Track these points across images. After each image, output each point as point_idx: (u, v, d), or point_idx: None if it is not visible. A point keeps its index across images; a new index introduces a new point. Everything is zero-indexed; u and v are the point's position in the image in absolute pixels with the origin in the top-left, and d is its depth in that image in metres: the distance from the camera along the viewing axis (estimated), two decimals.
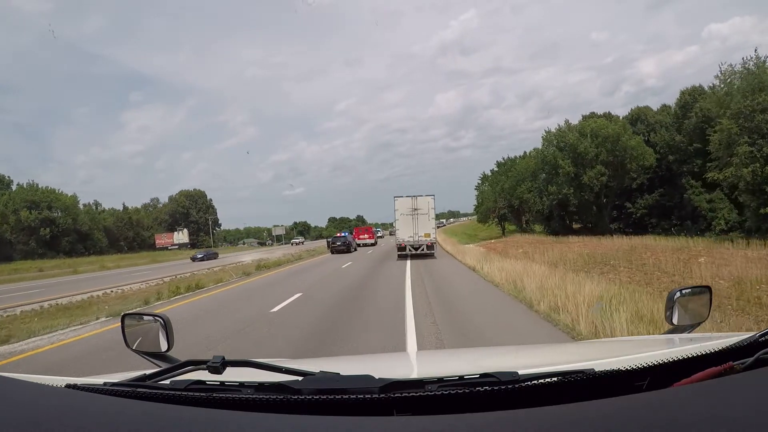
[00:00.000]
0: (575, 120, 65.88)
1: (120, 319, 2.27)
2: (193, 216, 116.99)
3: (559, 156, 60.24)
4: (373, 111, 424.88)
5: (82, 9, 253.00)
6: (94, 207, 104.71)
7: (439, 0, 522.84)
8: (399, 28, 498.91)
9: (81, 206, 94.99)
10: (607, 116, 64.83)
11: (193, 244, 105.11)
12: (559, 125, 65.86)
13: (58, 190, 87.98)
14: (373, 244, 55.21)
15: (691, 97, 58.01)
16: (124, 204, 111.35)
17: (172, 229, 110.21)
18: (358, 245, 50.63)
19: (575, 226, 67.22)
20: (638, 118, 64.44)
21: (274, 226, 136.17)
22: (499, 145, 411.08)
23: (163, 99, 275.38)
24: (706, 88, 55.72)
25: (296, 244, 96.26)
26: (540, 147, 73.77)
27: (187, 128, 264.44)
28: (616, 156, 57.54)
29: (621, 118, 65.01)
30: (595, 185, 58.39)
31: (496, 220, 77.70)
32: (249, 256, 49.86)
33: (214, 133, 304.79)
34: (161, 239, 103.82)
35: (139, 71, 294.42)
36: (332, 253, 41.04)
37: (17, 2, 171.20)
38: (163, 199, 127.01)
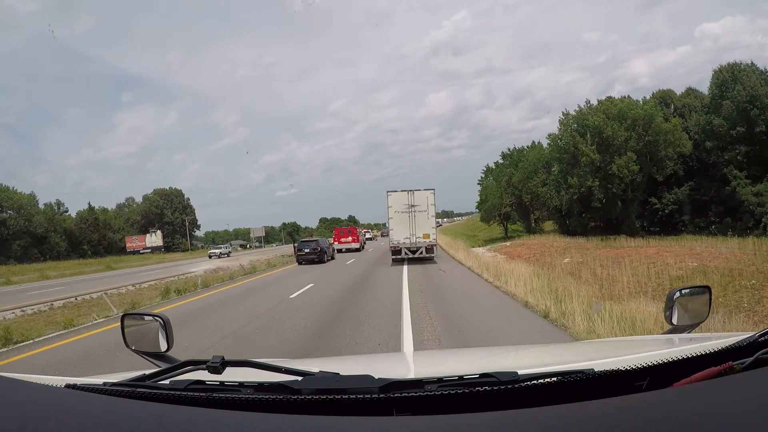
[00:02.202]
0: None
1: (120, 319, 2.27)
2: (168, 217, 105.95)
3: (581, 141, 50.99)
4: (365, 111, 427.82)
5: (72, 9, 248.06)
6: (56, 207, 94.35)
7: (432, 0, 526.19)
8: (392, 28, 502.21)
9: (42, 206, 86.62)
10: (627, 100, 54.69)
11: (167, 247, 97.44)
12: (579, 106, 56.33)
13: (12, 187, 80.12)
14: (357, 250, 44.43)
15: (729, 74, 49.41)
16: (89, 203, 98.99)
17: (144, 231, 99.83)
18: (340, 251, 42.25)
19: (590, 225, 57.13)
20: (662, 101, 55.45)
21: (266, 227, 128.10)
22: (491, 145, 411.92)
23: (155, 100, 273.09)
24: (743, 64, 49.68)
25: (216, 256, 63.29)
26: (538, 144, 66.79)
27: (179, 129, 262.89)
28: (648, 142, 48.97)
29: (648, 98, 55.78)
30: (626, 176, 49.08)
31: (498, 219, 70.09)
32: (207, 265, 41.69)
33: (207, 134, 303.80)
34: (132, 242, 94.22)
35: (130, 72, 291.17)
36: (299, 263, 31.33)
37: (7, 1, 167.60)
38: (139, 198, 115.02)
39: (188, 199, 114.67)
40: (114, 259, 72.47)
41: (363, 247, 48.03)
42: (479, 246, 50.22)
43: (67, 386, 1.29)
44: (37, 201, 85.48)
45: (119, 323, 2.26)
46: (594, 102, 55.82)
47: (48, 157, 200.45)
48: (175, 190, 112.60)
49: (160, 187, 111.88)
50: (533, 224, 66.60)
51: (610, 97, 55.98)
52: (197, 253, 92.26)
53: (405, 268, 22.35)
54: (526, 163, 62.47)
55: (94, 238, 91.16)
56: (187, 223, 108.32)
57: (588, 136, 51.20)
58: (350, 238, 45.54)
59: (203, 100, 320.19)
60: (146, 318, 2.20)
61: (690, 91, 57.61)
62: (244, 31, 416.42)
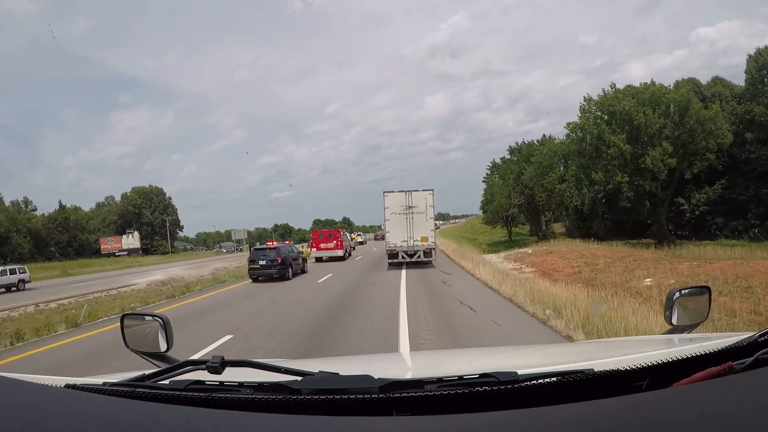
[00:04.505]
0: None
1: (119, 320, 2.27)
2: (147, 216, 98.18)
3: (607, 130, 43.89)
4: (363, 113, 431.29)
5: (68, 11, 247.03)
6: (22, 205, 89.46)
7: (430, 3, 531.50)
8: (390, 30, 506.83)
9: (8, 204, 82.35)
10: (658, 85, 47.09)
11: (145, 249, 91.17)
12: (604, 90, 48.22)
13: None
14: (341, 258, 34.73)
15: None
16: (60, 202, 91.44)
17: (122, 231, 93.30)
18: (320, 259, 34.40)
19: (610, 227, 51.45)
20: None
21: (259, 228, 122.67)
22: (488, 147, 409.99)
23: (151, 102, 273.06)
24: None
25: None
26: (550, 138, 60.79)
27: (176, 131, 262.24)
28: (683, 131, 42.62)
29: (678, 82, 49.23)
30: (661, 170, 42.37)
31: (504, 220, 64.37)
32: (159, 275, 33.37)
33: (204, 136, 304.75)
34: (107, 244, 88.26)
35: (126, 73, 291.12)
36: (253, 280, 23.14)
37: (4, 2, 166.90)
38: (119, 198, 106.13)
39: (170, 198, 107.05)
40: (82, 262, 67.30)
41: (350, 254, 39.12)
42: (486, 252, 43.42)
43: (67, 386, 1.29)
44: (1, 198, 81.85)
45: (119, 323, 2.27)
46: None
47: (44, 157, 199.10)
48: (156, 189, 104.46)
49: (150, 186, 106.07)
50: (544, 227, 60.49)
51: (629, 86, 48.46)
52: (178, 256, 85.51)
53: (403, 296, 14.73)
54: (539, 156, 55.10)
55: (63, 239, 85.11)
56: (167, 224, 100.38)
57: (614, 124, 44.60)
58: (332, 244, 35.42)
59: (200, 101, 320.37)
60: (146, 318, 2.21)
61: (717, 80, 52.42)
62: (241, 33, 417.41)
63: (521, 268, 27.87)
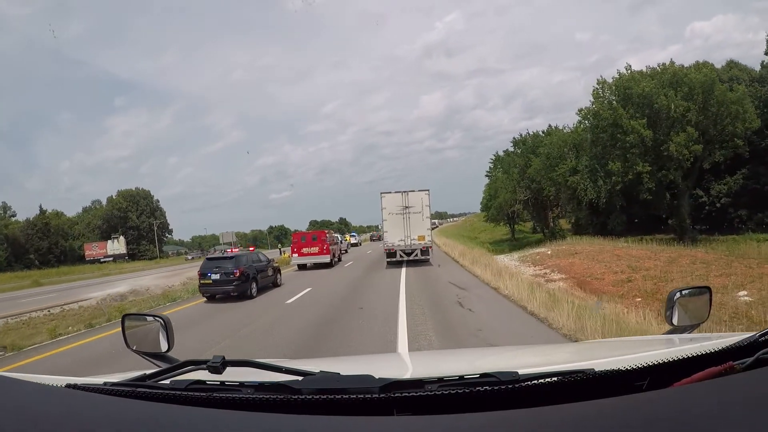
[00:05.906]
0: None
1: (120, 320, 2.29)
2: (133, 220, 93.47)
3: (625, 115, 39.13)
4: (359, 113, 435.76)
5: (64, 13, 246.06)
6: (1, 211, 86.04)
7: (426, 2, 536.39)
8: (385, 30, 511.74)
9: None
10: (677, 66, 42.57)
11: (131, 255, 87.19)
12: (619, 71, 43.38)
13: None
14: (328, 265, 29.38)
15: None
16: (40, 206, 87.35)
17: (107, 236, 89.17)
18: (303, 266, 29.32)
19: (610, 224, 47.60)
20: None
21: (255, 230, 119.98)
22: (484, 145, 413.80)
23: (148, 104, 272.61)
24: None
25: None
26: (556, 129, 55.84)
27: (172, 133, 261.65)
28: (708, 116, 37.99)
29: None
30: (686, 158, 38.04)
31: (508, 217, 60.59)
32: (123, 286, 27.51)
33: (200, 138, 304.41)
34: (92, 250, 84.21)
35: (121, 76, 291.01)
36: (207, 298, 17.94)
37: None
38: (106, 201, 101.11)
39: (158, 201, 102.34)
40: (62, 270, 63.21)
41: (339, 259, 33.60)
42: (493, 253, 37.34)
43: (68, 386, 1.29)
44: None
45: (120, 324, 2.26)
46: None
47: (37, 162, 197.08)
48: (143, 192, 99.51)
49: (153, 191, 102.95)
50: (552, 223, 56.12)
51: (647, 68, 43.99)
52: (165, 261, 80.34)
53: (402, 335, 9.51)
54: (548, 147, 49.59)
55: (43, 246, 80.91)
56: (155, 228, 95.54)
57: (631, 108, 39.96)
58: (316, 248, 29.44)
59: (197, 103, 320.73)
60: (147, 318, 2.22)
61: (733, 64, 48.92)
62: (238, 33, 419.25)
63: (546, 273, 23.06)
